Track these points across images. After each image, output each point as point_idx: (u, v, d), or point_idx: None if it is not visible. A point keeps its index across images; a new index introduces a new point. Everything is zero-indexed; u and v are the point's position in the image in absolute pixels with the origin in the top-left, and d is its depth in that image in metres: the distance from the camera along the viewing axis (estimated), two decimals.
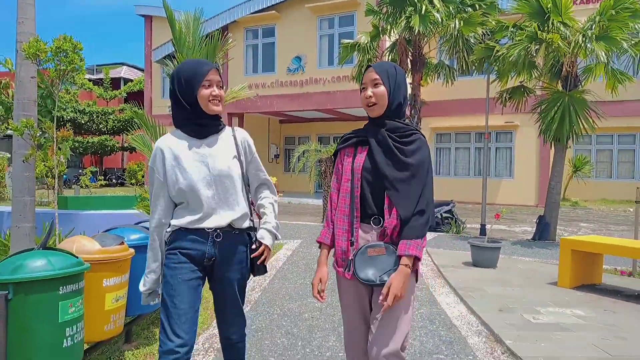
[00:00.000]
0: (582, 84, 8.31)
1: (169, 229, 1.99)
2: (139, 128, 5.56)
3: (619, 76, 7.95)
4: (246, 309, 3.74)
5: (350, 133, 1.97)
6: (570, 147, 8.76)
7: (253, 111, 18.42)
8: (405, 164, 1.78)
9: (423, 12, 8.22)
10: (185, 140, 1.99)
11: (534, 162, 17.32)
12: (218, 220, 1.94)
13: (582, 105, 7.87)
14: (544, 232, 8.28)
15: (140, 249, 2.93)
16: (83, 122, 25.12)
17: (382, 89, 1.81)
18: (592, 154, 18.63)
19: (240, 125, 19.17)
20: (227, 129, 2.09)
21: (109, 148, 25.79)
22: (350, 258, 1.81)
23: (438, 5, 8.45)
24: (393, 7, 9.06)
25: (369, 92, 1.83)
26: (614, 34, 6.96)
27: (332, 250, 1.94)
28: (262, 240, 2.01)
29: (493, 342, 3.42)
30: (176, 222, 1.96)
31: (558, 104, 7.89)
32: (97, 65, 36.88)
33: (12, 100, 5.60)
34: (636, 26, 7.15)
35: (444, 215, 10.42)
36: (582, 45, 7.01)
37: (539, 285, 5.00)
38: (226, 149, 2.01)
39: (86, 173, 11.38)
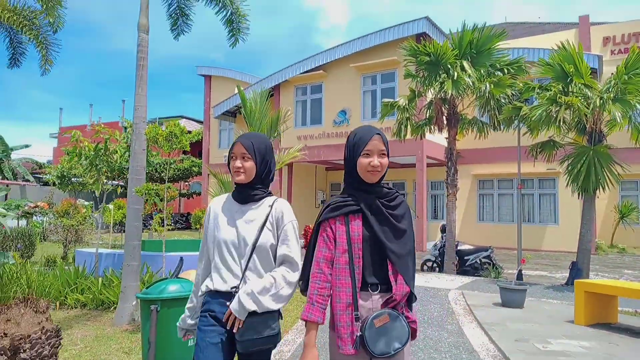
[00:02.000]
0: (607, 137, 8.97)
1: (203, 289, 2.09)
2: (197, 175, 6.84)
3: None
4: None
5: (338, 201, 1.91)
6: (597, 196, 9.26)
7: (301, 160, 19.83)
8: (400, 231, 1.85)
9: (455, 77, 9.30)
10: (230, 203, 2.14)
11: (578, 208, 17.39)
12: (232, 278, 2.01)
13: (606, 159, 8.53)
14: (576, 277, 8.75)
15: None
16: (147, 171, 27.50)
17: (386, 160, 1.88)
18: (639, 200, 18.54)
19: (289, 173, 20.59)
20: (269, 198, 2.13)
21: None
22: (358, 334, 1.76)
23: (469, 71, 9.51)
24: (428, 72, 10.20)
25: (376, 161, 1.85)
26: (629, 97, 7.73)
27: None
28: (235, 300, 1.95)
29: None
30: (209, 284, 2.05)
31: (584, 158, 8.59)
32: (158, 118, 40.26)
33: (117, 163, 7.08)
34: None
35: (483, 260, 11.02)
36: (600, 107, 7.80)
37: (557, 323, 5.66)
38: (258, 217, 2.06)
39: (156, 218, 12.91)
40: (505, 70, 9.97)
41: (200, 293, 2.09)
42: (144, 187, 4.93)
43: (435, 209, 21.04)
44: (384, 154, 1.87)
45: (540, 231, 18.33)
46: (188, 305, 2.17)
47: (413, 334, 1.85)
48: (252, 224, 2.04)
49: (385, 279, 1.82)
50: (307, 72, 19.57)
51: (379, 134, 1.89)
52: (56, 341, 3.15)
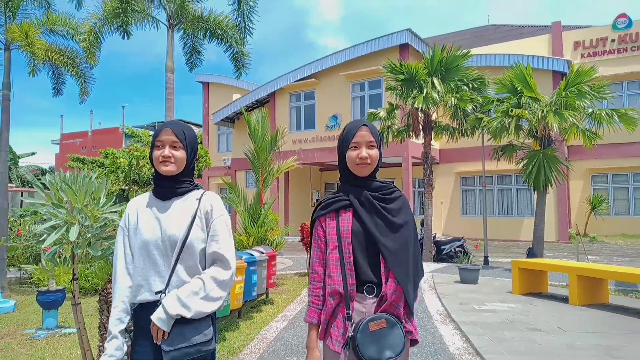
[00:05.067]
0: (554, 143, 10.59)
1: (128, 302, 1.82)
2: (198, 178, 8.39)
3: (589, 135, 10.22)
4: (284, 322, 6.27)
5: (328, 198, 1.84)
6: (548, 192, 10.87)
7: (297, 162, 21.35)
8: (395, 225, 1.73)
9: (425, 93, 10.89)
10: (151, 201, 1.89)
11: (553, 201, 18.97)
12: (158, 281, 1.78)
13: (554, 161, 10.14)
14: None
15: (249, 264, 5.61)
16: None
17: (376, 151, 1.76)
18: (609, 192, 20.25)
19: (286, 175, 22.11)
20: (196, 192, 1.91)
21: None
22: (349, 335, 1.66)
23: (438, 87, 11.11)
24: (405, 87, 11.79)
25: (364, 152, 1.74)
26: (564, 112, 9.35)
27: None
28: (159, 308, 1.71)
29: (446, 317, 5.81)
30: (135, 295, 1.80)
31: (534, 160, 10.20)
32: (157, 122, 41.67)
33: (146, 175, 8.61)
34: (583, 103, 9.49)
35: (457, 249, 12.65)
36: (542, 118, 9.43)
37: (498, 293, 7.28)
38: (185, 213, 1.83)
39: None
40: (471, 85, 11.57)
41: (126, 308, 1.80)
42: None
43: (423, 204, 22.66)
44: (372, 145, 1.76)
45: (518, 223, 19.93)
46: (119, 329, 1.77)
47: (413, 343, 1.78)
48: (177, 220, 1.80)
49: (379, 278, 1.71)
50: (300, 80, 21.11)
51: (365, 124, 1.80)
52: None
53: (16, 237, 8.68)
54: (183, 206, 1.85)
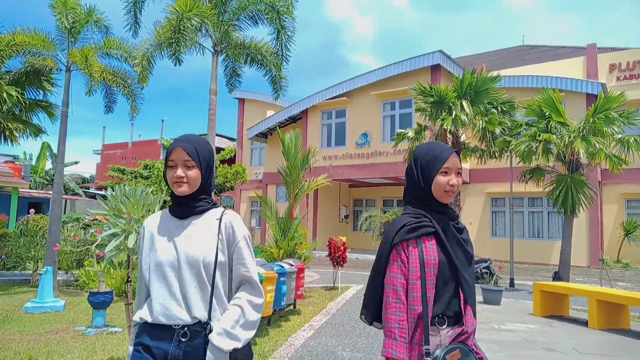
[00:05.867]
0: (584, 167, 10.66)
1: (136, 319, 1.77)
2: (230, 190, 8.86)
3: (615, 160, 10.27)
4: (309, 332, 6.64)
5: (412, 221, 1.71)
6: (577, 216, 10.88)
7: (326, 179, 21.82)
8: (471, 257, 1.73)
9: (454, 115, 11.19)
10: (167, 220, 1.83)
11: (584, 225, 18.69)
12: (184, 314, 1.69)
13: (581, 185, 10.21)
14: None
15: (280, 275, 6.04)
16: None
17: (461, 180, 1.76)
18: None
19: (315, 190, 22.58)
20: (215, 211, 1.83)
21: None
22: None
23: (467, 110, 11.38)
24: (434, 109, 12.11)
25: (455, 180, 1.71)
26: (591, 138, 9.47)
27: None
28: (211, 347, 1.63)
29: None
30: (144, 314, 1.74)
31: (562, 184, 10.30)
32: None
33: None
34: (611, 129, 9.58)
35: (483, 270, 12.73)
36: (569, 143, 9.57)
37: (519, 315, 7.44)
38: (204, 233, 1.76)
39: None
40: (500, 108, 11.79)
41: (134, 323, 1.80)
42: None
43: None
44: (459, 173, 1.74)
45: (549, 246, 19.67)
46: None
47: None
48: (197, 241, 1.73)
49: (454, 311, 1.67)
50: (332, 98, 21.68)
51: (455, 151, 1.77)
52: None
53: (72, 242, 9.40)
54: (203, 226, 1.78)
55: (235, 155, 28.43)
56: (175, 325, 1.68)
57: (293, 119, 24.04)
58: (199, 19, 6.97)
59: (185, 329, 1.68)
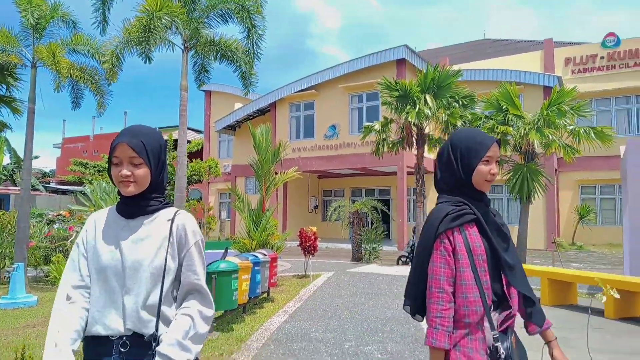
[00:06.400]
0: (539, 157, 11.37)
1: (79, 329, 1.54)
2: (197, 183, 8.98)
3: (569, 149, 11.01)
4: (296, 304, 6.99)
5: (454, 209, 1.68)
6: (532, 202, 11.60)
7: (296, 171, 22.09)
8: (509, 241, 1.73)
9: (417, 109, 11.68)
10: (114, 218, 1.64)
11: (542, 211, 19.65)
12: (123, 324, 1.52)
13: (536, 174, 10.91)
14: None
15: (254, 264, 6.34)
16: None
17: (498, 168, 1.72)
18: (597, 203, 21.03)
19: (285, 182, 22.81)
20: (167, 211, 1.66)
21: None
22: (502, 355, 1.58)
23: (430, 104, 11.89)
24: (399, 102, 12.58)
25: (495, 169, 1.70)
26: (544, 129, 10.15)
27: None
28: (163, 358, 1.46)
29: None
30: (87, 330, 1.55)
31: (518, 173, 10.96)
32: (158, 128, 42.42)
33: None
34: (563, 122, 10.30)
35: None
36: (524, 135, 10.22)
37: None
38: (153, 235, 1.59)
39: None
40: (461, 102, 12.36)
41: (75, 336, 1.52)
42: (191, 204, 7.18)
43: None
44: (498, 162, 1.74)
45: (510, 231, 20.59)
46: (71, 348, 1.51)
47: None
48: (145, 245, 1.57)
49: (498, 295, 1.66)
50: (300, 91, 21.91)
51: (496, 140, 1.74)
52: None
53: (45, 238, 9.35)
54: (152, 228, 1.61)
55: (202, 148, 28.29)
56: (112, 336, 1.53)
57: (261, 112, 24.13)
58: (169, 18, 7.08)
59: (124, 339, 1.52)
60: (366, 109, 20.64)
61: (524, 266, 8.01)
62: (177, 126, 33.73)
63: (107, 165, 1.66)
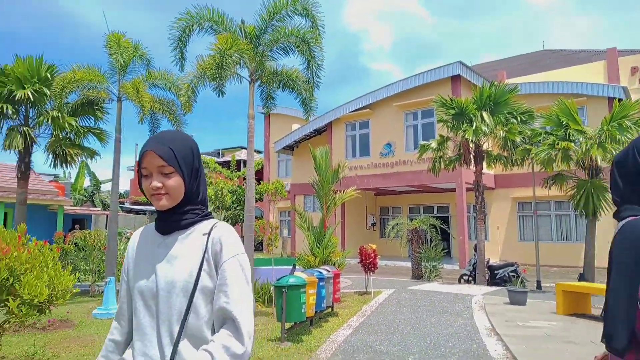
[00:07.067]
0: (604, 172, 11.05)
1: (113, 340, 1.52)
2: (259, 201, 9.51)
3: None
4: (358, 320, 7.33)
5: None
6: (598, 219, 11.25)
7: (354, 189, 22.50)
8: None
9: (474, 126, 11.76)
10: (151, 236, 1.51)
11: (611, 227, 18.69)
12: (156, 350, 1.37)
13: (601, 190, 10.62)
14: None
15: (320, 280, 6.77)
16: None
17: None
18: None
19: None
20: (205, 224, 1.47)
21: (241, 219, 31.37)
22: None
23: (487, 120, 11.93)
24: (455, 120, 12.70)
25: None
26: (607, 144, 9.91)
27: None
28: None
29: (492, 331, 6.63)
30: (127, 355, 1.47)
31: (582, 189, 10.72)
32: (221, 149, 44.55)
33: (228, 202, 10.04)
34: (623, 137, 9.99)
35: (510, 273, 13.15)
36: (586, 151, 10.03)
37: (544, 313, 7.93)
38: (187, 252, 1.42)
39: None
40: (519, 118, 12.29)
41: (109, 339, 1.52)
42: (261, 222, 7.79)
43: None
44: None
45: (577, 248, 19.75)
46: None
47: None
48: (177, 262, 1.41)
49: None
50: (355, 110, 22.43)
51: None
52: None
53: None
54: (186, 244, 1.43)
55: (262, 168, 29.41)
56: None
57: (318, 132, 24.86)
58: (239, 54, 7.81)
59: None
60: (421, 126, 20.76)
61: (594, 285, 7.92)
62: (238, 147, 35.40)
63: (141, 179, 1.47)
